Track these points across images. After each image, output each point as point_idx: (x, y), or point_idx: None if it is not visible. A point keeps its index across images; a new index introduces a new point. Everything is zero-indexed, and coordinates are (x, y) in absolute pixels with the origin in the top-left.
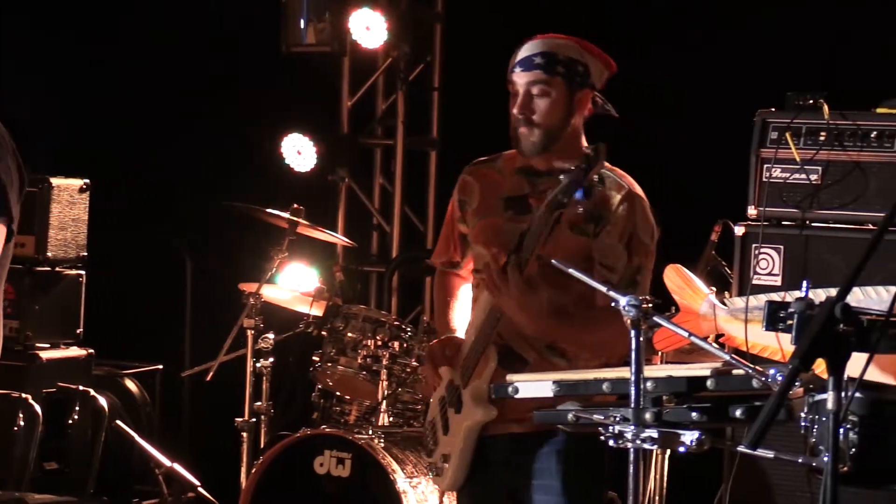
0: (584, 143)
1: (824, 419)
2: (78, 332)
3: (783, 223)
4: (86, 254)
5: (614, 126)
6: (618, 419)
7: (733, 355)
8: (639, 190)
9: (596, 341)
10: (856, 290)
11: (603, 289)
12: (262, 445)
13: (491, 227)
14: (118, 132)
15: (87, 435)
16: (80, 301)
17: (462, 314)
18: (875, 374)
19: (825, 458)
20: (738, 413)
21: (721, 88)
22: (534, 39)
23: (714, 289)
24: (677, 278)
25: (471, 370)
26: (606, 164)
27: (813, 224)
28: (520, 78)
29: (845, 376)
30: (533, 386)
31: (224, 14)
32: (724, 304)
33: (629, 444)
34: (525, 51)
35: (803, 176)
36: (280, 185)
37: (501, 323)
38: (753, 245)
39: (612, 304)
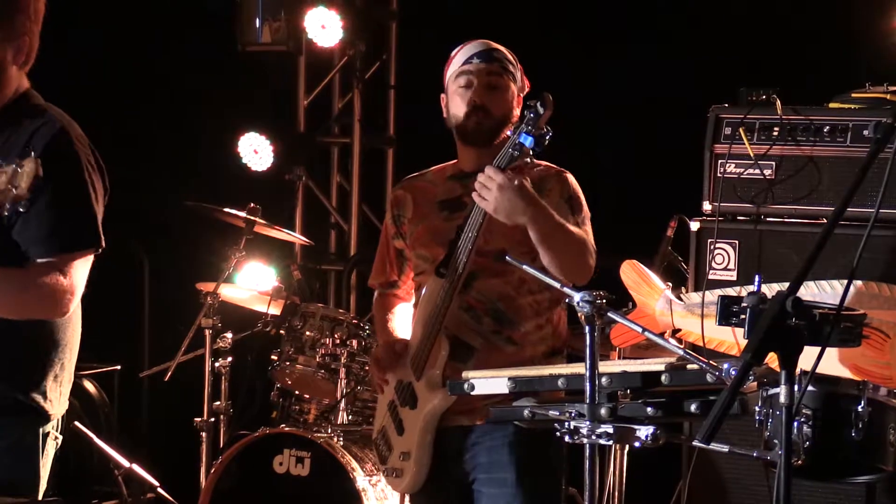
0: None
1: (778, 413)
2: None
3: (738, 218)
4: None
5: (570, 124)
6: (573, 415)
7: (688, 350)
8: (570, 175)
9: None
10: (809, 283)
11: (557, 284)
12: (221, 445)
13: (428, 230)
14: None
15: None
16: None
17: (402, 328)
18: (829, 367)
19: (779, 452)
20: (692, 408)
21: (675, 84)
22: (480, 41)
23: (670, 284)
24: (634, 274)
25: (423, 362)
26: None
27: (767, 219)
28: (478, 68)
29: (798, 370)
30: (488, 382)
31: (179, 13)
32: (680, 299)
33: (585, 440)
34: (479, 46)
35: (757, 171)
36: (237, 184)
37: (446, 314)
38: (709, 240)
39: (566, 301)
